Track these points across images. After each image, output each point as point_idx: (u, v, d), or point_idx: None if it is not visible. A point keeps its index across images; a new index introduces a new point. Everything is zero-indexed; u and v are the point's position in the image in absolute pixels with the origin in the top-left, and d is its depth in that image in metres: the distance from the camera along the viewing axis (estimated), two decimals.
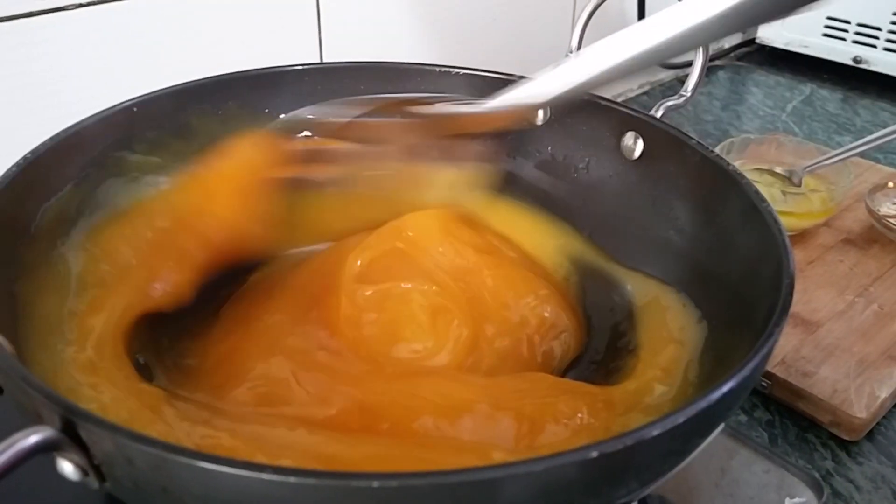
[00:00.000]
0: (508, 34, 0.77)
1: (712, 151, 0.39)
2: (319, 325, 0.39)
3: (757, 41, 1.05)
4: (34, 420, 0.25)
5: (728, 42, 1.06)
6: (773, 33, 1.03)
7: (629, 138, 0.44)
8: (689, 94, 0.43)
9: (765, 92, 0.97)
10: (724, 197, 0.38)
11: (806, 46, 1.01)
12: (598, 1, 0.46)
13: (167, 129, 0.44)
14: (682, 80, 1.06)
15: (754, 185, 0.36)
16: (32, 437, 0.23)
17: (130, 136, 0.42)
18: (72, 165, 0.40)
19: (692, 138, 0.40)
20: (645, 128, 0.43)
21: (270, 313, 0.40)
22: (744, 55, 1.08)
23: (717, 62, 1.05)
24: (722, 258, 0.37)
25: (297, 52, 0.62)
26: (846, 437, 0.46)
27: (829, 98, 0.95)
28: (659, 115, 0.43)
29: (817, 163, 0.63)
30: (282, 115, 0.47)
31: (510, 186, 0.48)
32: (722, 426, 0.29)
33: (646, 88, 0.98)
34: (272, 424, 0.32)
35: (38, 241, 0.37)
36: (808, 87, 0.98)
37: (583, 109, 0.45)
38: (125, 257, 0.38)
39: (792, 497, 0.39)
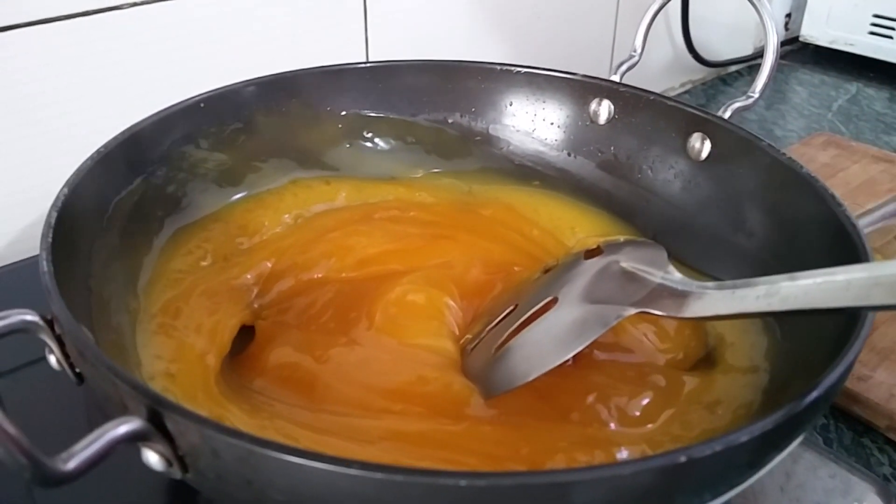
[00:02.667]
0: (552, 31, 0.77)
1: (784, 154, 0.38)
2: None
3: (801, 39, 1.04)
4: (118, 410, 0.25)
5: None
6: (818, 31, 1.02)
7: (696, 139, 0.43)
8: (756, 95, 0.43)
9: (809, 91, 0.96)
10: (796, 201, 0.37)
11: (851, 45, 0.99)
12: (662, 3, 0.46)
13: (232, 126, 0.44)
14: (723, 79, 1.05)
15: (830, 189, 0.35)
16: (122, 428, 0.23)
17: (197, 132, 0.43)
18: (141, 160, 0.40)
19: (762, 140, 0.40)
20: (713, 129, 0.43)
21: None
22: (787, 53, 1.06)
23: (760, 61, 1.03)
24: (794, 264, 0.36)
25: (343, 51, 0.62)
26: None
27: (875, 97, 0.93)
28: (727, 116, 0.42)
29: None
30: (343, 112, 0.47)
31: (571, 186, 0.48)
32: (801, 439, 0.28)
33: (687, 87, 0.97)
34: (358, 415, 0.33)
35: (111, 236, 0.37)
36: (853, 86, 0.96)
37: (648, 109, 0.45)
38: (205, 265, 0.39)
39: (860, 502, 0.38)
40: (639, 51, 0.47)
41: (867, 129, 0.85)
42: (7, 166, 0.49)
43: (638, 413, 0.34)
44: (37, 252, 0.49)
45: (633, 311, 0.32)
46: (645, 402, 0.35)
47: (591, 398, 0.35)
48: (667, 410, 0.34)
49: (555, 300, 0.35)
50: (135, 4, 0.52)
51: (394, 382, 0.35)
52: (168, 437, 0.24)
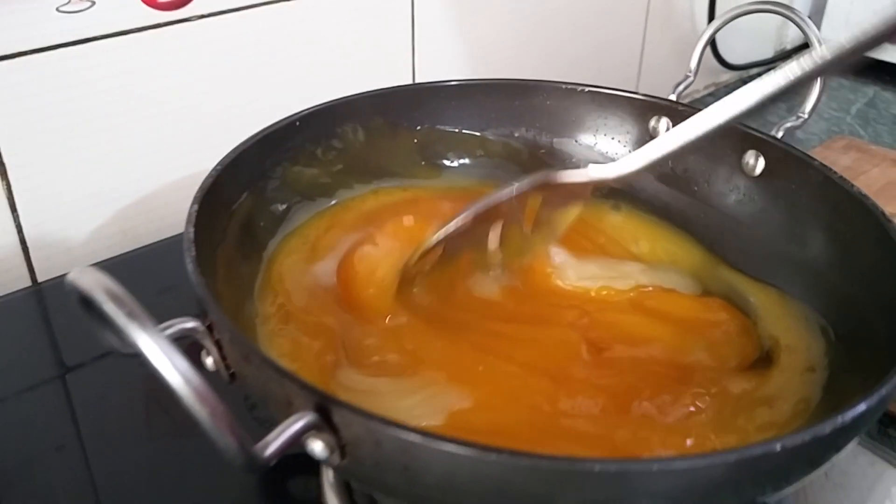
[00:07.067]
0: (587, 48, 0.82)
1: (836, 173, 0.41)
2: None
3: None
4: (280, 407, 0.29)
5: (790, 44, 1.09)
6: (837, 35, 1.05)
7: (750, 156, 0.46)
8: (806, 116, 0.46)
9: (828, 94, 0.98)
10: (847, 217, 0.40)
11: None
12: (716, 27, 0.50)
13: (323, 142, 0.48)
14: (744, 81, 1.08)
15: (880, 207, 0.39)
16: (301, 421, 0.27)
17: (294, 149, 0.47)
18: (246, 175, 0.44)
19: (815, 159, 0.43)
20: (766, 147, 0.46)
21: None
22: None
23: (780, 64, 1.06)
24: (847, 276, 0.40)
25: (390, 73, 0.66)
26: None
27: (892, 101, 0.97)
28: (779, 135, 0.46)
29: None
30: (418, 127, 0.51)
31: (631, 198, 0.51)
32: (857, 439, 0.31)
33: (711, 90, 1.01)
34: None
35: (229, 246, 0.41)
36: (871, 90, 0.99)
37: None
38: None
39: None
40: (693, 71, 0.51)
41: (885, 132, 0.89)
42: (87, 170, 0.54)
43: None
44: (113, 254, 0.53)
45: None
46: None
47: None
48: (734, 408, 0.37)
49: None
50: (202, 17, 0.56)
51: None
52: (333, 429, 0.28)
